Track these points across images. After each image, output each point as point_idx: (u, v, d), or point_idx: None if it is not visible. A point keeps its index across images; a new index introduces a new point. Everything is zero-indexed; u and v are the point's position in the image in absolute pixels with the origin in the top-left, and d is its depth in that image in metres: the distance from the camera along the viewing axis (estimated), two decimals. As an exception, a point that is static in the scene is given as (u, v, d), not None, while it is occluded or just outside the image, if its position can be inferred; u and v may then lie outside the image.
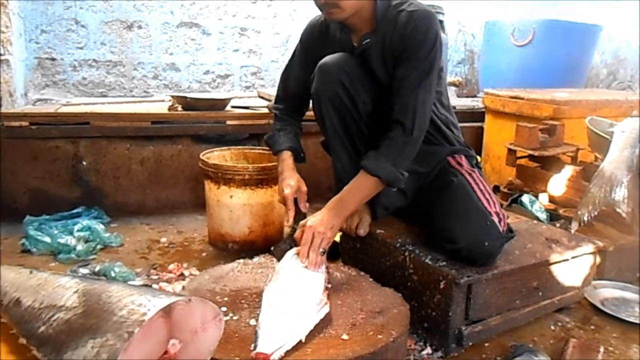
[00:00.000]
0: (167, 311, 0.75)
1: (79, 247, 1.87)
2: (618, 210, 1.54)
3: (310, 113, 1.65)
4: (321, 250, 1.31)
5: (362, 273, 1.39)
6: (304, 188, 1.56)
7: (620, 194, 1.52)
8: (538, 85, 3.13)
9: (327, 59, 1.50)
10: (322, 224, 1.33)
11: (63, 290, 0.85)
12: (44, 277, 0.93)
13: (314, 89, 1.53)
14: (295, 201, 1.53)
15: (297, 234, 1.38)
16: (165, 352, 0.75)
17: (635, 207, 1.53)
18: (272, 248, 1.50)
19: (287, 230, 1.61)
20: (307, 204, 1.56)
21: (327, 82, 1.49)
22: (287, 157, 1.61)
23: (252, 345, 0.99)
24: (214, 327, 0.83)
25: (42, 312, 0.83)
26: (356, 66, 1.50)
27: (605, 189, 1.53)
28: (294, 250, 1.36)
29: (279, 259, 1.38)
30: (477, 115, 3.16)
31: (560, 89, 3.06)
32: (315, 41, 1.62)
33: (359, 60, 1.51)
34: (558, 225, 1.77)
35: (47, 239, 1.88)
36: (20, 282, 0.93)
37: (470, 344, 1.36)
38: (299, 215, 1.53)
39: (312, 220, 1.35)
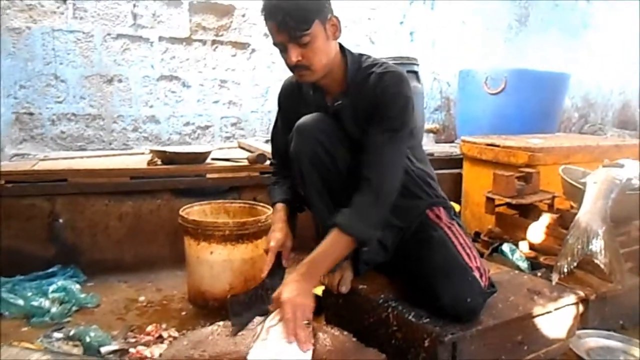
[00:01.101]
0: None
1: (54, 310, 1.81)
2: (596, 261, 1.55)
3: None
4: (305, 322, 1.25)
5: (345, 333, 1.36)
6: (289, 243, 1.56)
7: (597, 245, 1.54)
8: (512, 132, 3.22)
9: (304, 119, 1.52)
10: (298, 293, 1.26)
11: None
12: (13, 354, 0.89)
13: (293, 150, 1.54)
14: (279, 255, 1.52)
15: (273, 307, 1.30)
16: None
17: (612, 257, 1.55)
18: (228, 297, 1.44)
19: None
20: (291, 259, 1.54)
21: (305, 142, 1.51)
22: (280, 208, 1.62)
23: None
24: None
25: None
26: (332, 124, 1.52)
27: (582, 240, 1.55)
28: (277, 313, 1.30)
29: (231, 310, 1.36)
30: (455, 162, 3.22)
31: (534, 134, 3.14)
32: (290, 101, 1.65)
33: (334, 117, 1.54)
34: (539, 274, 1.78)
35: (20, 302, 1.82)
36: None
37: (458, 403, 1.33)
38: (278, 270, 1.51)
39: (286, 291, 1.26)
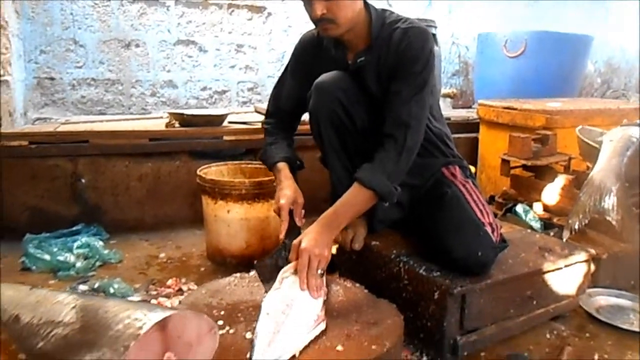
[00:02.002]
0: (162, 325, 0.77)
1: (78, 264, 1.89)
2: (608, 218, 1.56)
3: (306, 127, 1.67)
4: (320, 272, 1.28)
5: (358, 285, 1.41)
6: (301, 200, 1.53)
7: (610, 202, 1.54)
8: (531, 96, 3.17)
9: (323, 77, 1.52)
10: (316, 245, 1.28)
11: (61, 306, 0.87)
12: (42, 294, 0.95)
13: (312, 108, 1.55)
14: (291, 213, 1.49)
15: (291, 256, 1.32)
16: (161, 365, 0.77)
17: (625, 215, 1.55)
18: (255, 262, 1.42)
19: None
20: (303, 218, 1.52)
21: (324, 100, 1.51)
22: (282, 167, 1.59)
23: (248, 355, 1.00)
24: (209, 340, 0.85)
25: (40, 328, 0.84)
26: (352, 83, 1.52)
27: (595, 197, 1.55)
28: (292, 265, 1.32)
29: (260, 275, 1.35)
30: (472, 126, 3.19)
31: (553, 98, 3.10)
32: (308, 56, 1.63)
33: (354, 76, 1.54)
34: (552, 234, 1.79)
35: (47, 257, 1.89)
36: (19, 299, 0.95)
37: (466, 353, 1.37)
38: (294, 229, 1.48)
39: (305, 241, 1.29)
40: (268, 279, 1.33)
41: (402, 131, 1.40)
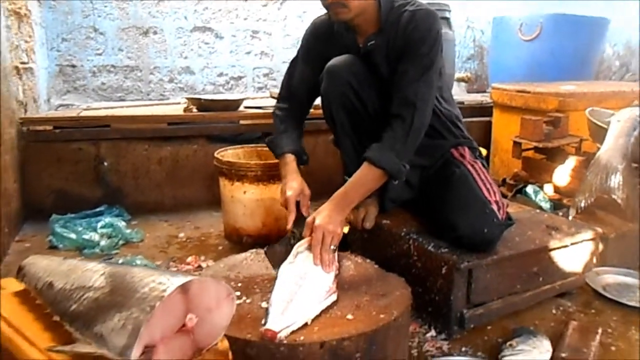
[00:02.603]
0: (184, 288, 0.83)
1: (103, 243, 1.98)
2: (613, 196, 1.59)
3: (319, 111, 1.71)
4: (332, 247, 1.33)
5: (368, 260, 1.46)
6: (307, 191, 1.56)
7: (616, 181, 1.57)
8: (546, 79, 3.17)
9: (334, 61, 1.56)
10: (330, 221, 1.34)
11: (91, 273, 0.94)
12: (73, 263, 1.03)
13: (323, 91, 1.60)
14: (298, 205, 1.52)
15: (305, 232, 1.37)
16: (183, 325, 0.84)
17: (630, 193, 1.58)
18: (265, 248, 1.46)
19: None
20: (310, 209, 1.54)
21: (336, 83, 1.55)
22: (290, 160, 1.61)
23: (263, 320, 1.07)
24: (227, 305, 0.91)
25: (73, 293, 0.92)
26: (363, 67, 1.56)
27: (601, 176, 1.58)
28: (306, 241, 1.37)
29: (271, 260, 1.39)
30: (485, 110, 3.21)
31: (568, 82, 3.09)
32: (319, 40, 1.66)
33: (365, 60, 1.58)
34: (560, 213, 1.82)
35: (73, 236, 1.99)
36: (52, 268, 1.03)
37: (472, 326, 1.43)
38: (301, 219, 1.50)
39: (319, 218, 1.35)
40: (278, 263, 1.36)
41: (410, 111, 1.44)
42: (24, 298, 1.03)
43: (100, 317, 0.83)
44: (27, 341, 0.88)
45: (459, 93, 3.81)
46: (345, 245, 1.79)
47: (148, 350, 0.77)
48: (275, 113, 1.75)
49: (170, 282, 0.83)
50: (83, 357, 0.80)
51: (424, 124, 1.48)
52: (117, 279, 0.90)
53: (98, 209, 2.29)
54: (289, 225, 1.48)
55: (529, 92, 2.68)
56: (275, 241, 1.53)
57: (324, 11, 1.56)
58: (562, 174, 2.05)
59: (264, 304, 1.18)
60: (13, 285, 1.07)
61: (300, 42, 1.75)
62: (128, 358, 0.74)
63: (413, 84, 1.45)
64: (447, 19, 3.12)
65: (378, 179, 1.45)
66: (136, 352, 0.75)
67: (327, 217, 1.35)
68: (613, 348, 1.39)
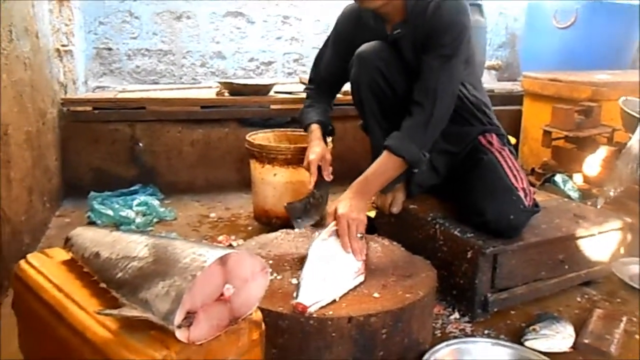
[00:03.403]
0: (223, 260, 0.88)
1: (138, 220, 2.06)
2: (643, 186, 1.59)
3: (348, 97, 1.75)
4: (359, 235, 1.36)
5: (395, 243, 1.50)
6: (329, 157, 1.67)
7: (646, 170, 1.57)
8: (580, 68, 3.11)
9: (364, 47, 1.59)
10: (352, 209, 1.37)
11: (135, 244, 1.00)
12: (118, 235, 1.09)
13: (353, 76, 1.63)
14: (320, 169, 1.64)
15: (328, 220, 1.41)
16: (221, 295, 0.89)
17: (661, 183, 1.57)
18: (285, 204, 1.58)
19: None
20: (332, 175, 1.67)
21: (365, 69, 1.58)
22: (315, 129, 1.73)
23: (294, 294, 1.12)
24: (262, 278, 0.96)
25: (118, 262, 0.98)
26: (391, 53, 1.58)
27: (632, 166, 1.58)
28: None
29: (290, 214, 1.51)
30: (515, 99, 3.18)
31: (602, 71, 3.04)
32: (349, 28, 1.69)
33: (392, 47, 1.60)
34: (589, 203, 1.82)
35: (110, 212, 2.07)
36: (98, 239, 1.09)
37: (496, 310, 1.45)
38: (322, 183, 1.64)
39: (341, 207, 1.37)
40: (296, 217, 1.54)
41: (430, 100, 1.45)
42: (72, 267, 1.10)
43: (145, 285, 0.89)
44: (77, 305, 0.94)
45: (489, 81, 3.77)
46: (373, 229, 1.83)
47: (189, 316, 0.83)
48: (305, 91, 1.89)
49: (209, 254, 0.89)
50: (129, 321, 0.87)
51: (445, 113, 1.49)
52: (159, 249, 0.96)
53: (133, 188, 2.38)
54: (311, 186, 1.61)
55: (561, 81, 2.65)
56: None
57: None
58: (593, 163, 2.04)
59: (294, 280, 1.24)
60: (60, 254, 1.15)
61: (332, 28, 1.79)
62: (171, 322, 0.80)
63: (434, 73, 1.46)
64: (479, 6, 3.08)
65: (398, 167, 1.47)
66: (179, 317, 0.81)
67: (349, 206, 1.38)
68: (637, 336, 1.40)
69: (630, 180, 1.60)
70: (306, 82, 3.01)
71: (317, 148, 1.65)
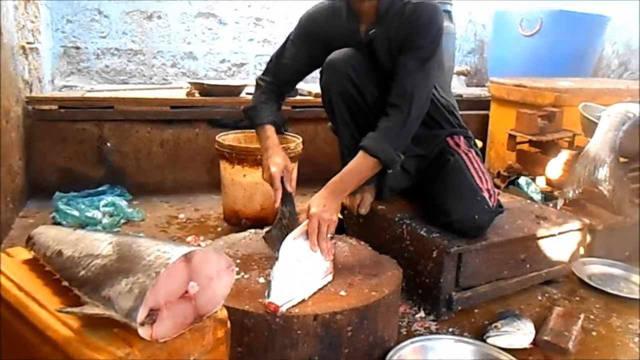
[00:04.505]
0: (187, 257, 0.88)
1: (105, 221, 2.03)
2: (600, 188, 1.65)
3: (319, 99, 1.76)
4: (329, 235, 1.36)
5: (362, 242, 1.52)
6: (290, 166, 1.57)
7: (603, 173, 1.63)
8: (545, 75, 3.21)
9: (335, 54, 1.59)
10: (325, 210, 1.35)
11: (99, 242, 0.99)
12: (81, 233, 1.08)
13: (323, 83, 1.64)
14: (282, 180, 1.52)
15: (302, 217, 1.37)
16: (186, 292, 0.89)
17: (617, 186, 1.63)
18: (264, 234, 1.48)
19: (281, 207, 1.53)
20: (294, 184, 1.57)
21: (336, 77, 1.59)
22: (271, 132, 1.61)
23: (266, 293, 1.12)
24: (227, 276, 0.97)
25: (81, 260, 0.97)
26: (362, 59, 1.59)
27: (589, 168, 1.64)
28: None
29: (270, 245, 1.42)
30: (483, 104, 3.26)
31: (565, 78, 3.13)
32: (318, 25, 1.65)
33: (366, 48, 1.61)
34: (550, 205, 1.88)
35: (76, 213, 2.04)
36: (61, 237, 1.08)
37: (460, 308, 1.49)
38: (287, 195, 1.52)
39: (314, 206, 1.36)
40: (276, 246, 1.36)
41: (407, 101, 1.47)
42: (33, 266, 1.08)
43: (108, 282, 0.88)
44: (37, 304, 0.93)
45: (458, 86, 3.84)
46: (342, 229, 1.84)
47: (152, 313, 0.83)
48: (258, 83, 1.74)
49: (174, 251, 0.89)
50: (91, 319, 0.86)
51: (420, 114, 1.51)
52: (123, 247, 0.95)
53: (100, 188, 2.34)
54: (277, 203, 1.50)
55: (526, 87, 2.72)
56: (271, 224, 1.54)
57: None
58: (555, 167, 2.10)
59: (261, 280, 1.24)
60: (22, 253, 1.13)
61: (296, 24, 1.72)
62: (134, 319, 0.80)
63: (411, 74, 1.48)
64: (448, 12, 3.14)
65: (373, 167, 1.48)
66: (142, 314, 0.80)
67: (322, 205, 1.37)
68: (594, 333, 1.46)
69: (588, 183, 1.66)
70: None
71: (278, 158, 1.54)
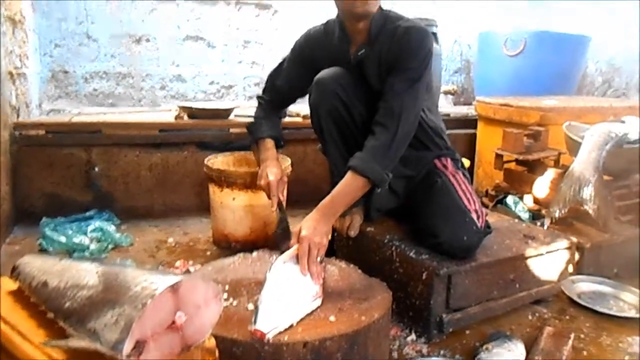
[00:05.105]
0: (174, 287, 0.88)
1: (92, 247, 2.01)
2: (585, 207, 1.66)
3: (309, 121, 1.77)
4: (319, 259, 1.35)
5: (352, 265, 1.51)
6: (285, 178, 1.70)
7: (588, 192, 1.65)
8: (530, 94, 3.26)
9: (323, 73, 1.62)
10: (316, 233, 1.35)
11: (85, 272, 0.98)
12: (67, 263, 1.07)
13: (312, 102, 1.66)
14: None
15: (293, 241, 1.37)
16: (173, 322, 0.88)
17: (602, 205, 1.65)
18: (275, 236, 1.63)
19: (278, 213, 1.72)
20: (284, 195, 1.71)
21: (325, 95, 1.62)
22: (270, 145, 1.75)
23: (252, 319, 1.11)
24: (215, 304, 0.96)
25: (67, 291, 0.96)
26: (351, 79, 1.62)
27: (575, 188, 1.66)
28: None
29: (280, 243, 1.51)
30: (471, 122, 3.29)
31: (550, 96, 3.18)
32: (311, 47, 1.73)
33: (355, 69, 1.64)
34: (538, 223, 1.89)
35: (63, 239, 2.01)
36: (46, 267, 1.07)
37: (451, 330, 1.48)
38: (280, 204, 1.66)
39: (305, 229, 1.36)
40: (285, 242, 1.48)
41: (394, 121, 1.49)
42: (18, 296, 1.06)
43: (93, 314, 0.87)
44: (22, 337, 0.91)
45: (446, 105, 3.89)
46: (332, 251, 1.84)
47: (139, 345, 0.82)
48: (259, 101, 1.89)
49: (161, 281, 0.88)
50: (77, 352, 0.85)
51: (407, 135, 1.53)
52: (110, 277, 0.94)
53: (88, 213, 2.32)
54: (273, 207, 1.65)
55: (511, 106, 2.76)
56: (263, 245, 1.68)
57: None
58: (542, 185, 2.12)
59: (250, 306, 1.23)
60: (7, 284, 1.11)
61: (292, 47, 1.82)
62: (120, 352, 0.79)
63: (399, 95, 1.50)
64: (434, 34, 3.20)
65: (362, 187, 1.49)
66: (128, 346, 0.79)
67: (313, 228, 1.37)
68: (585, 352, 1.46)
69: (573, 202, 1.67)
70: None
71: (275, 169, 1.67)
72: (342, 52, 1.65)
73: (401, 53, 1.53)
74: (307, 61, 1.71)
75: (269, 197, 1.68)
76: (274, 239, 1.58)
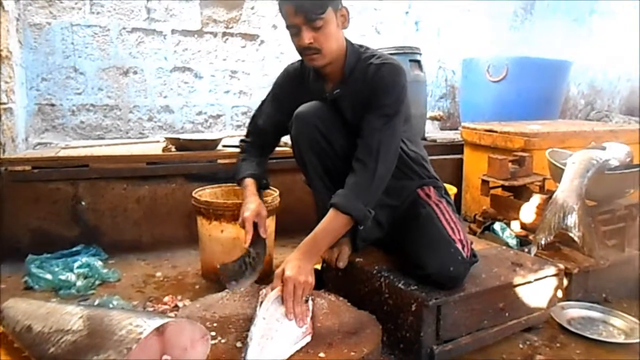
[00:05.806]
0: (160, 330, 0.87)
1: (79, 283, 1.98)
2: (571, 234, 1.68)
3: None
4: (305, 298, 1.34)
5: (341, 298, 1.51)
6: (264, 213, 1.65)
7: (572, 219, 1.66)
8: (513, 118, 3.32)
9: (302, 107, 1.65)
10: (300, 272, 1.35)
11: (69, 316, 0.98)
12: (52, 307, 1.06)
13: (293, 135, 1.68)
14: (256, 225, 1.61)
15: (275, 283, 1.37)
16: (159, 366, 0.87)
17: (586, 231, 1.67)
18: (219, 265, 1.53)
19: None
20: (267, 231, 1.65)
21: (304, 128, 1.64)
22: (249, 183, 1.74)
23: (242, 355, 1.10)
24: (202, 346, 0.95)
25: (51, 336, 0.95)
26: (329, 112, 1.65)
27: (559, 215, 1.68)
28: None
29: (222, 275, 1.46)
30: (457, 148, 3.33)
31: (533, 121, 3.24)
32: (290, 85, 1.77)
33: (332, 105, 1.67)
34: (525, 250, 1.90)
35: (49, 276, 1.99)
36: (31, 311, 1.05)
37: (442, 361, 1.47)
38: (258, 240, 1.60)
39: (289, 269, 1.35)
40: (231, 279, 1.49)
41: (374, 158, 1.50)
42: (2, 341, 1.05)
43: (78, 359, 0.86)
44: (4, 385, 0.90)
45: (432, 131, 3.94)
46: (321, 282, 1.83)
47: (124, 392, 0.80)
48: (240, 145, 1.90)
49: (147, 325, 0.87)
50: (60, 400, 0.83)
51: (388, 170, 1.55)
52: (94, 321, 0.93)
53: (75, 249, 2.29)
54: (246, 244, 1.58)
55: (496, 132, 2.80)
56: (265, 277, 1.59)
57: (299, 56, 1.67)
58: (528, 211, 2.14)
59: (239, 344, 1.22)
60: (-10, 329, 1.09)
61: (272, 85, 1.86)
62: (105, 400, 0.78)
63: (377, 132, 1.52)
64: (418, 62, 3.26)
65: (345, 224, 1.50)
66: (113, 394, 0.78)
67: (297, 267, 1.36)
68: (576, 380, 1.45)
69: (558, 229, 1.69)
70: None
71: (252, 204, 1.64)
72: (317, 91, 1.69)
73: (375, 91, 1.55)
74: (286, 98, 1.74)
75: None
76: (221, 270, 1.50)
